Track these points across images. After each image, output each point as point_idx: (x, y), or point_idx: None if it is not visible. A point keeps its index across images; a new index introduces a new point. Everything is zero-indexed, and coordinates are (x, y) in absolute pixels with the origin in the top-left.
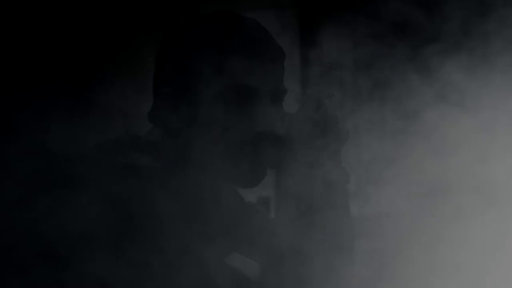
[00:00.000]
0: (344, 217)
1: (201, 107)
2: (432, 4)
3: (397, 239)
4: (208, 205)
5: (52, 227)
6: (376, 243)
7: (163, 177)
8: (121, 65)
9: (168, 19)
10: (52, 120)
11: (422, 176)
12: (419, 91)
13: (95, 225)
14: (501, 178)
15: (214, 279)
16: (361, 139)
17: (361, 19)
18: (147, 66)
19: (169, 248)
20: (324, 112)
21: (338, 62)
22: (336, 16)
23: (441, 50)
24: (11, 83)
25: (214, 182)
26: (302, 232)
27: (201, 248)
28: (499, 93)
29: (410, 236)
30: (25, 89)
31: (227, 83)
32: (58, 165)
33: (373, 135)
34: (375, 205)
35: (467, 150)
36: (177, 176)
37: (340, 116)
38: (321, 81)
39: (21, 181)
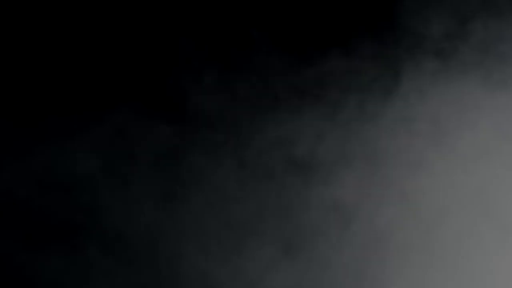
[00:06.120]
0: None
1: (201, 108)
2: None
3: (398, 242)
4: (209, 205)
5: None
6: (376, 243)
7: (163, 178)
8: (125, 73)
9: (172, 25)
10: (56, 136)
11: (424, 178)
12: (421, 93)
13: (95, 225)
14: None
15: (214, 279)
16: (361, 138)
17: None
18: (150, 70)
19: (169, 248)
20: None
21: (339, 62)
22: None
23: (439, 52)
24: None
25: (215, 182)
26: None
27: (201, 248)
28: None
29: (411, 239)
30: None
31: (227, 90)
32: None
33: (373, 135)
34: (376, 209)
35: (478, 157)
36: (177, 177)
37: (341, 116)
38: (323, 81)
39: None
